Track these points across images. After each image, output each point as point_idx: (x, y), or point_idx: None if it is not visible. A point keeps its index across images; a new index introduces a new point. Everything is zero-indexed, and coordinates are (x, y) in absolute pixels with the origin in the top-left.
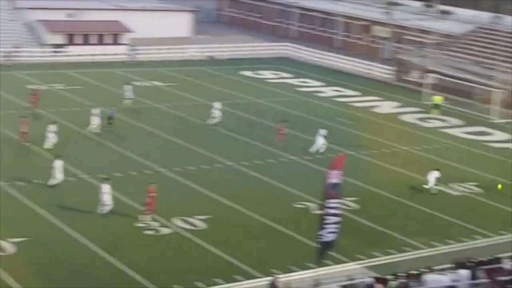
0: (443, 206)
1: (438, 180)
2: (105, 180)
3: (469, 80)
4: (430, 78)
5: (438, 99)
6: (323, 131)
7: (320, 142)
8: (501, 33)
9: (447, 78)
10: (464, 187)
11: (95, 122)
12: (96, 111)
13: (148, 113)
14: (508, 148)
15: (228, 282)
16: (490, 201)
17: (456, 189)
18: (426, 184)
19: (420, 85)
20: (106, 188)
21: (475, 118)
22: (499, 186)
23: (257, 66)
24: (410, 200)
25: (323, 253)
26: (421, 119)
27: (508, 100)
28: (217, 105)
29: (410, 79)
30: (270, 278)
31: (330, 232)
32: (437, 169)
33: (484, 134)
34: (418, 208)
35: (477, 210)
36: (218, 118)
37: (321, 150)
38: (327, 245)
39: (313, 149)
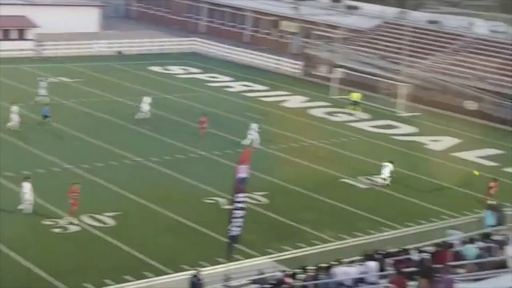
0: (351, 199)
1: (391, 173)
2: (26, 178)
3: (376, 74)
4: (338, 73)
5: (356, 96)
6: (255, 125)
7: (254, 136)
8: (406, 28)
9: (354, 73)
10: (372, 180)
11: (15, 119)
12: (14, 108)
13: (55, 109)
14: (413, 141)
15: (138, 279)
16: (396, 193)
17: (363, 182)
18: (381, 176)
19: (328, 79)
20: (27, 187)
21: (382, 111)
22: (476, 173)
23: (166, 61)
24: (319, 194)
25: (232, 247)
26: (329, 113)
27: (414, 93)
28: (147, 99)
29: (318, 73)
30: (192, 272)
31: (237, 226)
32: (391, 162)
33: (391, 128)
34: (327, 202)
35: (384, 202)
36: (146, 113)
37: (256, 144)
38: (235, 239)
39: (246, 142)
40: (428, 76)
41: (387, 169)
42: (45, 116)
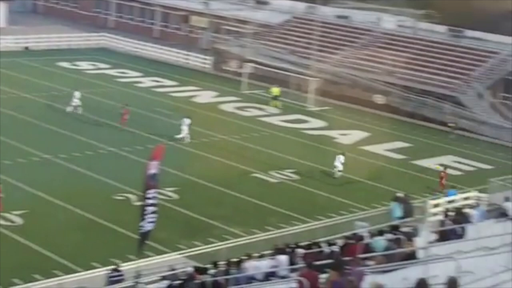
0: (262, 193)
1: (343, 164)
2: None
3: (286, 69)
4: (248, 68)
5: (276, 90)
6: (187, 120)
7: (185, 131)
8: (315, 23)
9: (264, 68)
10: (282, 174)
11: None
12: None
13: None
14: (323, 135)
15: (47, 278)
16: (306, 187)
17: (274, 177)
18: (334, 169)
19: (239, 74)
20: None
21: (292, 106)
22: (437, 167)
23: (74, 57)
24: (230, 189)
25: (143, 244)
26: (240, 108)
27: (323, 88)
28: (77, 94)
29: (228, 68)
30: (111, 267)
31: (149, 222)
32: (343, 153)
33: (301, 122)
34: (238, 197)
35: (294, 196)
36: (77, 108)
37: (187, 139)
38: (145, 236)
39: (180, 136)
40: (338, 70)
41: (338, 161)
42: None
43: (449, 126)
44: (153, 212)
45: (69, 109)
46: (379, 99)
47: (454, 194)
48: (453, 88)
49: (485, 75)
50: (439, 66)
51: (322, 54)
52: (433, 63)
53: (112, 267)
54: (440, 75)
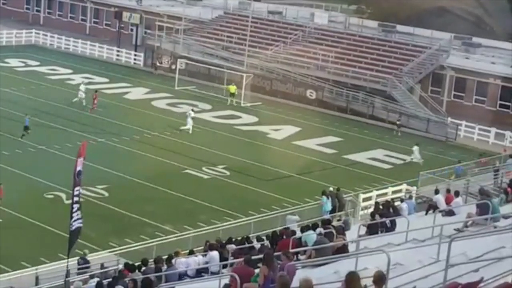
0: (195, 190)
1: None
2: None
3: (219, 65)
4: (181, 64)
5: (232, 88)
6: (192, 113)
7: (190, 123)
8: (248, 19)
9: (197, 64)
10: (215, 170)
11: None
12: None
13: None
14: (255, 131)
15: None
16: (239, 183)
17: (206, 173)
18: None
19: (171, 70)
20: None
21: (224, 102)
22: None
23: (4, 54)
24: (162, 185)
25: (73, 242)
26: (172, 104)
27: (255, 83)
28: (83, 87)
29: (160, 65)
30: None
31: (76, 220)
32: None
33: (233, 118)
34: (170, 193)
35: (227, 192)
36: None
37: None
38: (75, 234)
39: (185, 127)
40: (270, 66)
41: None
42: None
43: (396, 124)
44: (78, 210)
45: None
46: (310, 94)
47: (462, 171)
48: (384, 83)
49: (416, 70)
50: (370, 61)
51: (255, 49)
52: (365, 58)
53: (80, 253)
54: (371, 70)
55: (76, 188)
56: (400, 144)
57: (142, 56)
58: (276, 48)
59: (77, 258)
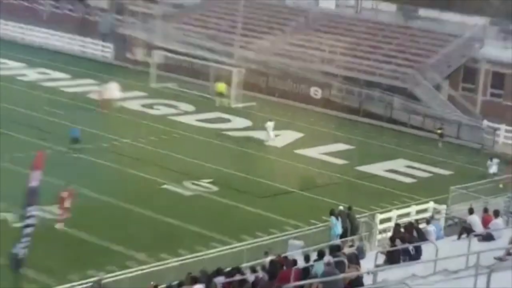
0: (175, 210)
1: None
2: None
3: (203, 58)
4: (158, 56)
5: (221, 87)
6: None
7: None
8: (239, 2)
9: (177, 56)
10: (199, 185)
11: None
12: None
13: None
14: (249, 137)
15: None
16: (229, 200)
17: (189, 188)
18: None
19: (146, 64)
20: None
21: (210, 102)
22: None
23: None
24: (136, 205)
25: (17, 272)
26: (148, 106)
27: (248, 80)
28: None
29: (133, 58)
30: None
31: (22, 248)
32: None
33: (221, 121)
34: (144, 214)
35: (214, 212)
36: None
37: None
38: (19, 263)
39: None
40: (266, 59)
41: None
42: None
43: (436, 133)
44: (27, 235)
45: None
46: (315, 92)
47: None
48: (405, 79)
49: (443, 63)
50: (387, 53)
51: (247, 39)
52: (380, 49)
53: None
54: (388, 63)
55: (30, 208)
56: (425, 153)
57: (112, 48)
58: (273, 38)
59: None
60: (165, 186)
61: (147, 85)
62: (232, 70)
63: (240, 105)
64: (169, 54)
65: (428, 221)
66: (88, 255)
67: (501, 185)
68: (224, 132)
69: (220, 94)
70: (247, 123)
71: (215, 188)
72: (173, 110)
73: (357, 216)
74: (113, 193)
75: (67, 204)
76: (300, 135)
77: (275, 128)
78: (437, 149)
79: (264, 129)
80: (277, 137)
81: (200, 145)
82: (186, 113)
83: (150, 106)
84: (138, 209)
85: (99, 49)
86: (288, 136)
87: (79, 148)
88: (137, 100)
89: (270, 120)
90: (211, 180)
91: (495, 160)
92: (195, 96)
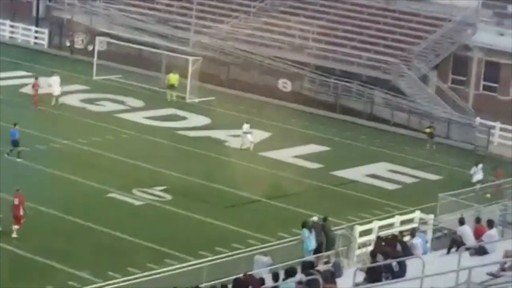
0: (124, 222)
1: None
2: None
3: (154, 45)
4: (101, 44)
5: (173, 78)
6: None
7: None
8: None
9: (123, 43)
10: (150, 194)
11: None
12: None
13: None
14: (207, 137)
15: None
16: (185, 211)
17: (139, 197)
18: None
19: (87, 53)
20: None
21: (162, 97)
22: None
23: None
24: (78, 217)
25: None
26: (89, 101)
27: (206, 71)
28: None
29: (72, 45)
30: None
31: None
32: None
33: (175, 119)
34: (88, 227)
35: (169, 224)
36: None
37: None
38: None
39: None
40: (227, 46)
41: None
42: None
43: (425, 132)
44: None
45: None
46: (284, 85)
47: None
48: (387, 69)
49: (430, 51)
50: (367, 39)
51: (204, 23)
52: (359, 34)
53: None
54: (368, 51)
55: None
56: (410, 155)
57: (47, 33)
58: (235, 21)
59: None
60: (111, 194)
61: (89, 77)
62: (188, 59)
63: (197, 100)
64: (114, 41)
65: (413, 233)
66: (23, 273)
67: (488, 195)
68: (178, 132)
69: (172, 87)
70: (206, 120)
71: (169, 197)
72: (119, 106)
73: (333, 228)
74: (52, 203)
75: (21, 211)
76: (267, 134)
77: (239, 126)
78: (424, 151)
79: (226, 128)
80: (240, 137)
81: (152, 147)
82: (135, 109)
83: (93, 101)
84: (81, 221)
85: (32, 36)
86: (253, 137)
87: (20, 151)
88: (77, 95)
89: (247, 123)
90: (164, 187)
91: (480, 166)
92: (145, 89)
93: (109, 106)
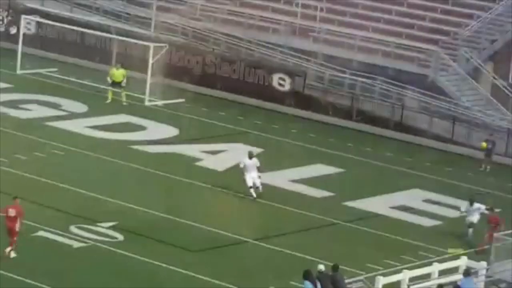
0: (57, 269)
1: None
2: None
3: (101, 29)
4: (28, 25)
5: (117, 74)
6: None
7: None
8: None
9: (59, 24)
10: (94, 232)
11: None
12: None
13: None
14: (173, 154)
15: None
16: (139, 256)
17: (78, 237)
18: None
19: (10, 38)
20: None
21: (115, 98)
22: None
23: None
24: None
25: None
26: (12, 104)
27: (173, 63)
28: None
29: None
30: None
31: None
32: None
33: (130, 129)
34: (10, 277)
35: (117, 273)
36: None
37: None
38: None
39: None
40: (202, 28)
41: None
42: None
43: (482, 148)
44: None
45: None
46: (281, 82)
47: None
48: (423, 61)
49: (483, 36)
50: (396, 19)
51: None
52: (387, 12)
53: None
54: (398, 36)
55: None
56: (454, 179)
57: None
58: None
59: None
60: (40, 233)
61: (11, 71)
62: (148, 46)
63: (160, 102)
64: (46, 21)
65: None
66: None
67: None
68: (134, 147)
69: (116, 84)
70: (172, 131)
71: (119, 237)
72: (53, 111)
73: (347, 280)
74: None
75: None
76: (257, 151)
77: (218, 139)
78: (474, 174)
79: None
80: (219, 154)
81: (97, 168)
82: (74, 115)
83: (16, 104)
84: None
85: None
86: (236, 153)
87: None
88: None
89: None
90: (113, 223)
91: (477, 205)
92: (88, 88)
93: (38, 111)
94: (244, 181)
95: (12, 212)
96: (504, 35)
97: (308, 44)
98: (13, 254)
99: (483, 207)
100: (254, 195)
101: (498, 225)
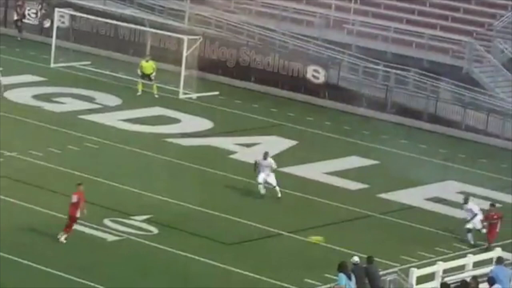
0: (92, 264)
1: None
2: None
3: (135, 21)
4: (61, 18)
5: (147, 66)
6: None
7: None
8: None
9: (92, 18)
10: (128, 226)
11: None
12: None
13: None
14: (208, 147)
15: None
16: (174, 249)
17: (113, 231)
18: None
19: (43, 31)
20: None
21: (147, 91)
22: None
23: None
24: (29, 258)
25: None
26: (45, 97)
27: (207, 56)
28: None
29: (19, 20)
30: None
31: None
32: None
33: (164, 122)
34: (44, 272)
35: (152, 267)
36: None
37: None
38: None
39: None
40: (236, 21)
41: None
42: None
43: None
44: None
45: None
46: (316, 74)
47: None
48: (458, 52)
49: None
50: (430, 10)
51: None
52: (421, 4)
53: None
54: (432, 27)
55: None
56: (490, 172)
57: None
58: None
59: None
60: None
61: (45, 64)
62: (182, 39)
63: (194, 95)
64: (80, 14)
65: (491, 278)
66: None
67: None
68: (168, 140)
69: (146, 77)
70: (206, 124)
71: (153, 230)
72: (86, 105)
73: (381, 272)
74: None
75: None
76: (291, 143)
77: (253, 132)
78: (509, 165)
79: (233, 135)
80: (254, 147)
81: (131, 161)
82: (108, 109)
83: (50, 98)
84: (34, 264)
85: None
86: (272, 145)
87: None
88: (28, 89)
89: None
90: (147, 216)
91: (470, 206)
92: (122, 81)
93: (72, 105)
94: (255, 176)
95: (74, 198)
96: None
97: (342, 36)
98: (63, 240)
99: (476, 208)
100: (262, 192)
101: (499, 218)
